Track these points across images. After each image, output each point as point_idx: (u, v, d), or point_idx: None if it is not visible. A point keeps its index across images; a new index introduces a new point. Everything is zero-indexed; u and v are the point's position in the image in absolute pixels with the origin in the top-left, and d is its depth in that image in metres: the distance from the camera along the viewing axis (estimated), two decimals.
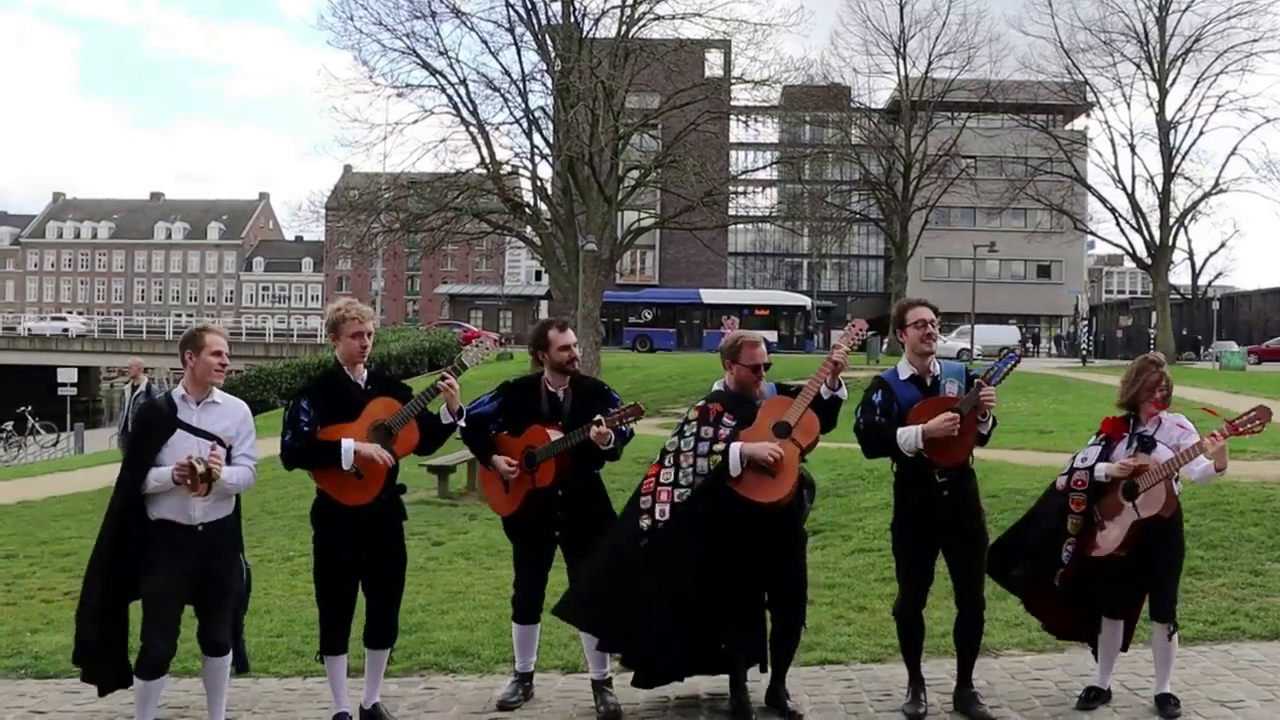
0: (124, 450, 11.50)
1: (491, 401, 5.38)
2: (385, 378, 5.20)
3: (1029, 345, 58.85)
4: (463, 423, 5.09)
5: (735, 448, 4.96)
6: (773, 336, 48.71)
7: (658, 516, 5.04)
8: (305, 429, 4.83)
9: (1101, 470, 5.05)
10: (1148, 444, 5.01)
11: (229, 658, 4.84)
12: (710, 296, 53.14)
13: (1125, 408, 5.17)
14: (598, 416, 5.14)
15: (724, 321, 50.17)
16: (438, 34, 26.19)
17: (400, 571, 5.08)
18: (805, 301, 53.44)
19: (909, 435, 4.94)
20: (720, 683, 5.36)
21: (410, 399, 4.95)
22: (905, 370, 5.14)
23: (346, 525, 4.89)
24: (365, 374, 5.00)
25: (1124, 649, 5.31)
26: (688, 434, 5.13)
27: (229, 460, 4.64)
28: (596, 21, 26.41)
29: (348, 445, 4.76)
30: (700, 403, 5.25)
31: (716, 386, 5.37)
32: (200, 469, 4.42)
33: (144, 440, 4.69)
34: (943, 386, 5.05)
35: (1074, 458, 5.27)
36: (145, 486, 4.57)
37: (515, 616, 5.43)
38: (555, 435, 5.20)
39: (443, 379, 4.92)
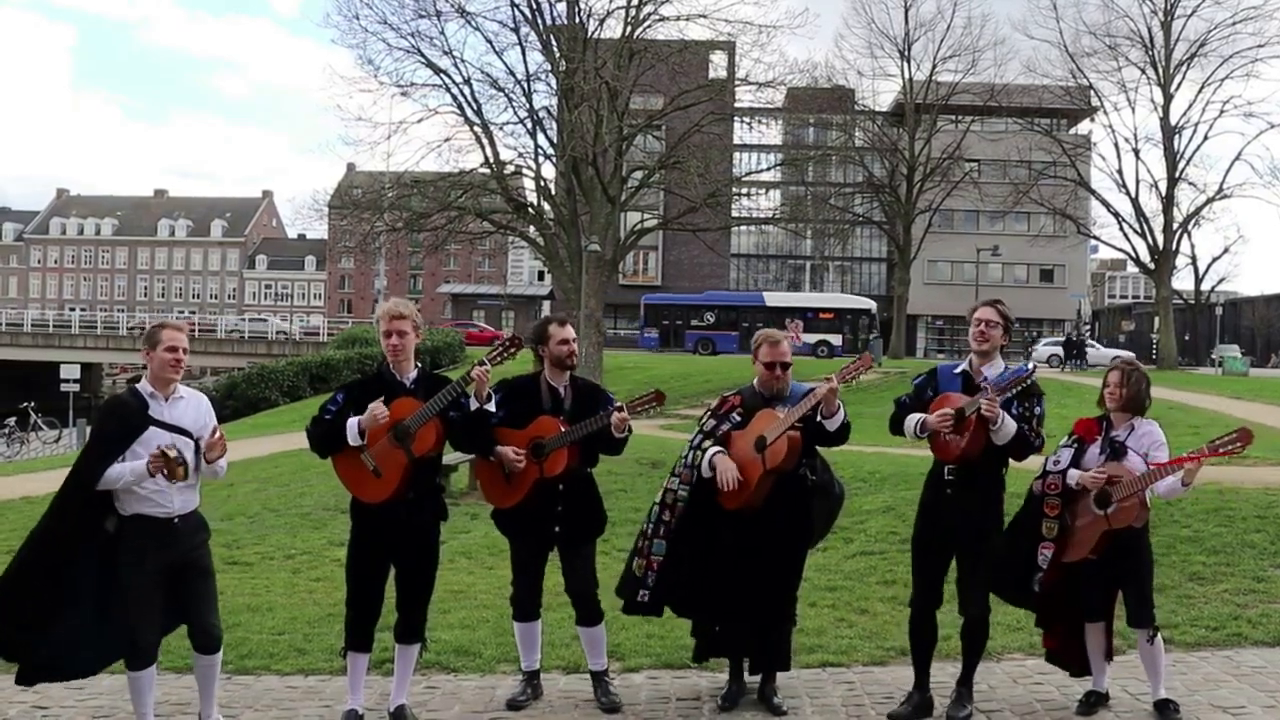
0: None
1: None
2: (434, 377, 5.13)
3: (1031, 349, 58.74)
4: (491, 407, 5.03)
5: (710, 451, 5.18)
6: (837, 340, 48.53)
7: (672, 500, 5.37)
8: (327, 417, 4.90)
9: (1074, 477, 5.08)
10: (1119, 450, 5.03)
11: (220, 654, 4.84)
12: (774, 299, 52.43)
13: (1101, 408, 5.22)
14: (619, 403, 5.18)
15: (788, 324, 49.09)
16: (442, 33, 26.12)
17: (426, 571, 5.05)
18: (869, 305, 52.26)
19: (911, 420, 5.09)
20: (720, 682, 5.40)
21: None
22: (961, 364, 5.24)
23: (372, 521, 4.92)
24: (414, 373, 5.01)
25: (1109, 657, 5.28)
26: (705, 421, 5.36)
27: (197, 450, 4.65)
28: (601, 22, 26.38)
29: (351, 421, 4.81)
30: (726, 393, 5.45)
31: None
32: (173, 454, 4.44)
33: (112, 435, 4.62)
34: (985, 388, 4.99)
35: (1046, 459, 5.29)
36: (106, 480, 4.51)
37: (516, 615, 5.41)
38: (564, 428, 5.19)
39: (480, 364, 4.92)
